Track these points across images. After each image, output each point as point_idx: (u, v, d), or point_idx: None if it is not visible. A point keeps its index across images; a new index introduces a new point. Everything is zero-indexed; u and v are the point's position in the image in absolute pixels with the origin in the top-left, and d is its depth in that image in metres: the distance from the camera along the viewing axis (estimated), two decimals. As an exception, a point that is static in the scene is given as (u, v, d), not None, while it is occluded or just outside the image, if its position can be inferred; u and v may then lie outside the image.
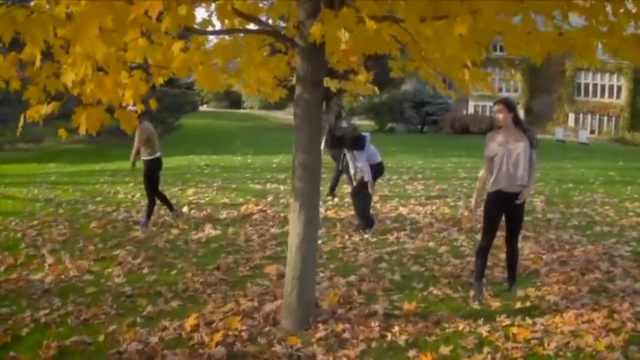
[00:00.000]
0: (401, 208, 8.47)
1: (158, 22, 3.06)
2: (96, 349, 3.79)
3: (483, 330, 4.03)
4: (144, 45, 3.48)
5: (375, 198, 7.91)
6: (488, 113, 28.58)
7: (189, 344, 3.84)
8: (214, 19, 4.52)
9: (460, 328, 4.08)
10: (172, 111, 21.04)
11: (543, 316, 4.29)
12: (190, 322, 4.11)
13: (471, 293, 4.76)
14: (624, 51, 3.12)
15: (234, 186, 10.58)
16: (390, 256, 5.96)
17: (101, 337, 3.93)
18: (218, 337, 3.87)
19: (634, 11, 3.05)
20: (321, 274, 5.21)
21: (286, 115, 35.72)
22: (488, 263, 5.05)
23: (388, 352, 3.75)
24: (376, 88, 5.67)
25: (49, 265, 5.55)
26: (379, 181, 9.14)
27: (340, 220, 7.60)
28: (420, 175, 12.24)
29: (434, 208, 8.56)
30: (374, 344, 3.83)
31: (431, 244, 6.46)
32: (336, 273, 5.33)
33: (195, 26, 3.43)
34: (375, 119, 29.19)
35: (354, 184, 7.67)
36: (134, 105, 3.89)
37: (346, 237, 6.75)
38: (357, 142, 6.80)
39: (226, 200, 9.13)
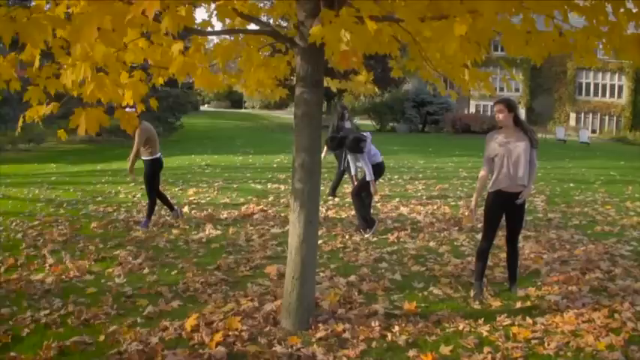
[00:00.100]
0: (402, 208, 8.47)
1: (157, 22, 3.06)
2: (96, 349, 3.79)
3: (484, 330, 4.04)
4: (143, 46, 3.49)
5: (375, 198, 7.90)
6: (489, 113, 28.58)
7: (190, 344, 3.84)
8: (214, 19, 4.53)
9: (460, 327, 4.08)
10: (173, 111, 21.10)
11: (544, 315, 4.30)
12: (191, 322, 4.11)
13: (472, 293, 4.76)
14: (625, 51, 3.11)
15: (234, 186, 10.58)
16: (390, 256, 5.96)
17: (101, 338, 3.92)
18: (218, 337, 3.87)
19: (634, 11, 3.04)
20: (322, 274, 5.22)
21: (287, 115, 35.79)
22: (489, 263, 5.06)
23: (388, 352, 3.75)
24: (377, 88, 5.66)
25: (50, 266, 5.55)
26: (380, 180, 9.15)
27: (341, 220, 7.61)
28: (420, 175, 12.24)
29: (435, 207, 8.56)
30: (374, 344, 3.83)
31: (431, 243, 6.47)
32: (337, 273, 5.34)
33: (195, 27, 3.43)
34: (376, 119, 29.22)
35: (355, 183, 7.67)
36: (134, 105, 3.89)
37: (347, 237, 6.76)
38: (357, 145, 6.78)
39: (227, 200, 9.14)
